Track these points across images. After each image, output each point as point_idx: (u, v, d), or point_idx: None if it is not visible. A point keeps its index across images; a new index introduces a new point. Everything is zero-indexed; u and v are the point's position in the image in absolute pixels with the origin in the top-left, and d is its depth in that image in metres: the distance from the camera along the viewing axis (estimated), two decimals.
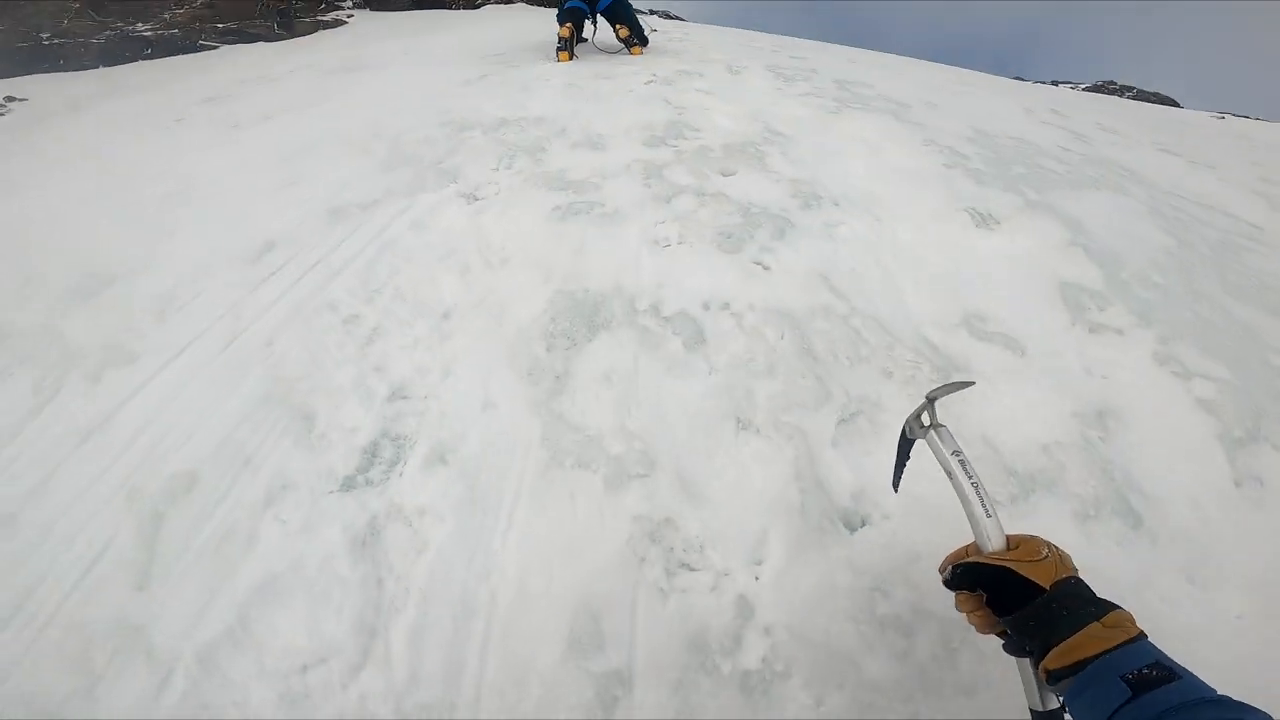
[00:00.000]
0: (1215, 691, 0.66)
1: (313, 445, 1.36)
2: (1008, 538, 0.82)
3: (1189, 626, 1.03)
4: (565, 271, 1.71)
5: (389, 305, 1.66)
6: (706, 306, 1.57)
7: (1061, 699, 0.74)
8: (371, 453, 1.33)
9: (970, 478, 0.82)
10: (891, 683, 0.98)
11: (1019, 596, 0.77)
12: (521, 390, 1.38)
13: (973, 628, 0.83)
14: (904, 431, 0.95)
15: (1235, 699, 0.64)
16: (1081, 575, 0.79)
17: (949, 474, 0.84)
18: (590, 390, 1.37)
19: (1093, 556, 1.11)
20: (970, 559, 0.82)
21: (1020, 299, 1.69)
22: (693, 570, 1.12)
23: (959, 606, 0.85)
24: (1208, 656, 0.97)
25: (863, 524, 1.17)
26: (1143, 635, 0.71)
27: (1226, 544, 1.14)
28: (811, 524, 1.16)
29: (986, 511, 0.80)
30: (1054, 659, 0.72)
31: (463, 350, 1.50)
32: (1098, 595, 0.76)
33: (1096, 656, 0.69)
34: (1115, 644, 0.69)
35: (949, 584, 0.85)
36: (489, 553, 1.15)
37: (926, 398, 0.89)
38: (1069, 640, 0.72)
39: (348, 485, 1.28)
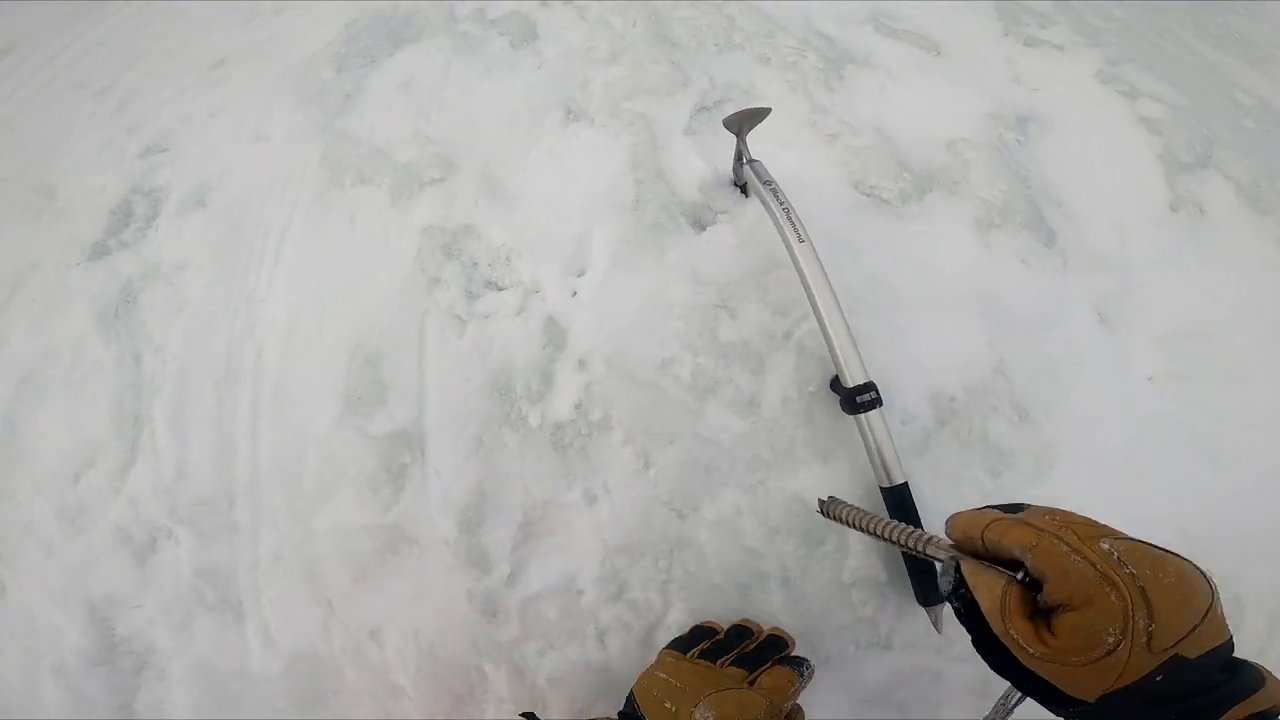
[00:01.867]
0: None
1: (55, 219, 1.09)
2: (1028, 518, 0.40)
3: (1098, 384, 0.88)
4: None
5: (150, 68, 1.30)
6: (544, 2, 1.22)
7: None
8: (124, 212, 1.06)
9: (781, 204, 0.78)
10: (733, 439, 0.80)
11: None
12: (302, 116, 1.08)
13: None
14: (732, 180, 0.96)
15: None
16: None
17: (764, 203, 0.80)
18: (383, 101, 1.07)
19: (994, 275, 0.93)
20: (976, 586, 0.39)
21: (946, 7, 1.36)
22: (499, 289, 0.90)
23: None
24: (1112, 421, 0.86)
25: (716, 220, 0.94)
26: None
27: (1146, 279, 0.95)
28: (647, 220, 0.92)
29: (799, 236, 0.75)
30: None
31: (236, 90, 1.17)
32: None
33: None
34: None
35: (947, 596, 0.42)
36: (253, 301, 0.92)
37: (725, 126, 0.86)
38: None
39: (97, 252, 1.03)
